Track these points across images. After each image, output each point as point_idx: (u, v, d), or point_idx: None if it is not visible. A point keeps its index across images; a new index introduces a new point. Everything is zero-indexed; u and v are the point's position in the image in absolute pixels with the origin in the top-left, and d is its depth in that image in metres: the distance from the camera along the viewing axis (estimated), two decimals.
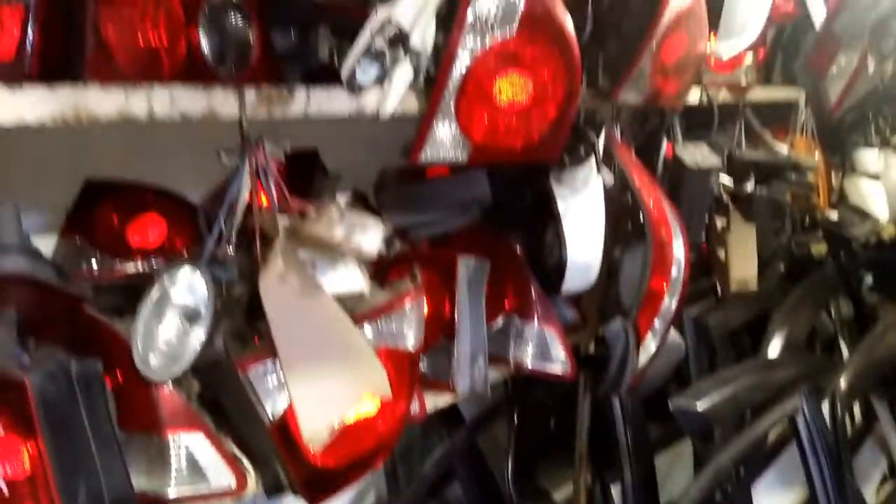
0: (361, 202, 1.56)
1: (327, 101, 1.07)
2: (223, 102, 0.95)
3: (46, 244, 1.18)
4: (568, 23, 1.13)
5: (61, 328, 1.06)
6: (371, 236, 1.00)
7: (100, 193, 1.28)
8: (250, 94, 0.98)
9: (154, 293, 0.93)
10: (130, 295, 1.22)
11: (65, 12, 0.89)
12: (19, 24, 0.87)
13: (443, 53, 1.08)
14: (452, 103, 1.10)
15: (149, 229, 1.29)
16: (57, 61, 0.89)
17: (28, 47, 0.87)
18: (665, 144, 1.71)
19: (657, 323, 1.53)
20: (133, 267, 1.21)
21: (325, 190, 1.43)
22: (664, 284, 1.49)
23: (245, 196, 0.98)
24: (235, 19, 0.98)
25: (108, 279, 1.20)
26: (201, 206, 1.16)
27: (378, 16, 1.09)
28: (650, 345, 1.55)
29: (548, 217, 1.50)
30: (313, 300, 0.95)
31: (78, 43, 0.84)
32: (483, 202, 1.66)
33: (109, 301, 1.20)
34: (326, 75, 1.18)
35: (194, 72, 0.95)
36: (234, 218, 0.98)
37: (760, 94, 2.04)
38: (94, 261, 1.21)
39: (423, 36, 1.12)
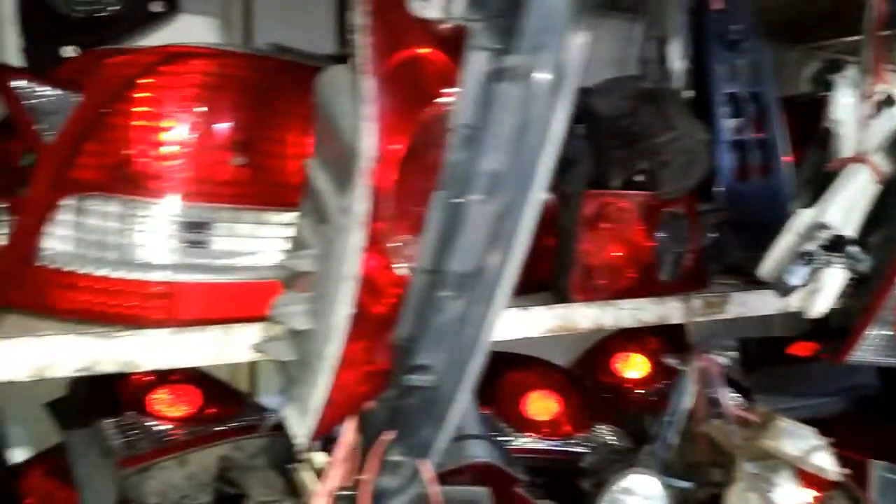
0: None
1: (760, 304, 1.09)
2: (673, 310, 1.01)
3: None
4: None
5: None
6: (829, 456, 0.95)
7: (501, 365, 1.41)
8: (696, 301, 1.02)
9: (605, 499, 0.97)
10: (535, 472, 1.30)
11: (547, 234, 1.02)
12: None
13: (888, 258, 1.04)
14: (893, 309, 1.05)
15: (541, 403, 1.38)
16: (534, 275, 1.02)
17: None
18: None
19: None
20: (542, 444, 1.28)
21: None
22: None
23: (688, 403, 1.01)
24: (681, 232, 1.05)
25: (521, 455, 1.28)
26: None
27: (803, 217, 1.10)
28: None
29: None
30: None
31: (565, 265, 0.95)
32: (868, 389, 1.53)
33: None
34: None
35: (641, 281, 1.03)
36: (678, 424, 1.00)
37: None
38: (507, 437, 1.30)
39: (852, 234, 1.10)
